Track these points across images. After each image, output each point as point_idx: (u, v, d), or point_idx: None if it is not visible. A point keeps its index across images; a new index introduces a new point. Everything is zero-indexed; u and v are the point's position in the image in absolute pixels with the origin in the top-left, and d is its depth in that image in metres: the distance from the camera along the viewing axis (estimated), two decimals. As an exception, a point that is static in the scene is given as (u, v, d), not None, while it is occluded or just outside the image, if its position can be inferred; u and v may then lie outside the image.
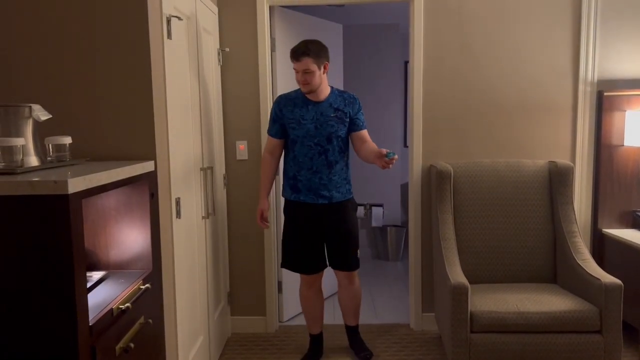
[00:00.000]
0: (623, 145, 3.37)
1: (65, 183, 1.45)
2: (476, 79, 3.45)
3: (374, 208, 5.39)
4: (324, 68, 2.85)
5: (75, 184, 1.49)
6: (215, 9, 3.31)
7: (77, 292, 1.49)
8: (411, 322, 3.66)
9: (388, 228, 5.36)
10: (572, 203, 3.17)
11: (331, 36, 4.20)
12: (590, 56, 3.39)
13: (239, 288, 3.58)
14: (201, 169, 2.90)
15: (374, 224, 5.38)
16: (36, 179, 1.48)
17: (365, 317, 3.84)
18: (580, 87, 3.42)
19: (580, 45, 3.39)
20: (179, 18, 2.43)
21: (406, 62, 5.22)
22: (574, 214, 3.15)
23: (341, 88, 4.46)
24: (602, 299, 2.65)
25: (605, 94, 3.37)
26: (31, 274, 1.49)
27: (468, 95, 3.46)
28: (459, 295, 2.66)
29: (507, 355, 2.67)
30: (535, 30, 3.40)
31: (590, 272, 2.79)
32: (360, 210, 5.41)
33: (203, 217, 2.92)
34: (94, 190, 1.63)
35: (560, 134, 3.48)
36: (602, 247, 3.42)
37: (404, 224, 5.36)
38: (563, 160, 3.37)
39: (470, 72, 3.44)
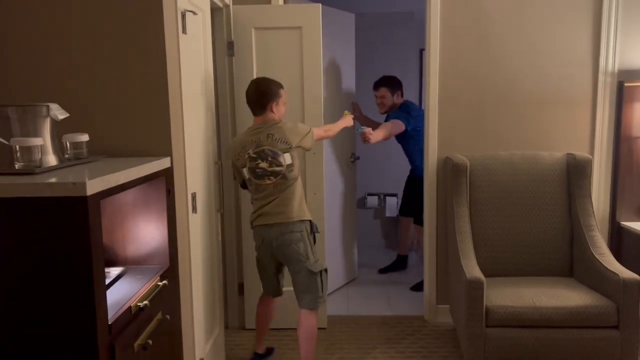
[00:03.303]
0: (643, 137, 3.31)
1: (84, 185, 1.46)
2: (493, 70, 3.39)
3: (388, 198, 5.37)
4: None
5: (94, 186, 1.50)
6: (229, 1, 3.29)
7: (97, 293, 1.51)
8: (425, 314, 3.66)
9: (401, 218, 5.33)
10: (590, 196, 3.13)
11: (344, 25, 4.17)
12: (610, 46, 3.31)
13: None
14: (216, 163, 2.90)
15: (388, 214, 5.36)
16: (55, 181, 1.49)
17: (379, 309, 3.85)
18: (600, 77, 3.35)
19: (600, 35, 3.31)
20: (194, 12, 2.42)
21: (421, 50, 5.15)
22: (592, 207, 3.11)
23: (353, 78, 4.44)
24: (620, 295, 2.63)
25: (625, 84, 3.30)
26: (50, 275, 1.51)
27: (485, 86, 3.41)
28: (475, 289, 2.65)
29: (523, 350, 2.66)
30: (554, 20, 3.33)
31: (608, 267, 2.77)
32: (375, 200, 5.40)
33: (218, 211, 2.93)
34: (112, 190, 1.64)
35: (578, 125, 3.42)
36: (620, 241, 3.38)
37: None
38: (581, 152, 3.32)
39: (487, 63, 3.39)
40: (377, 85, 4.23)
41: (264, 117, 2.75)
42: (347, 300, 3.99)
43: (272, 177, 2.69)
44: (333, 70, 4.04)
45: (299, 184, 2.77)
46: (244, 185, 2.88)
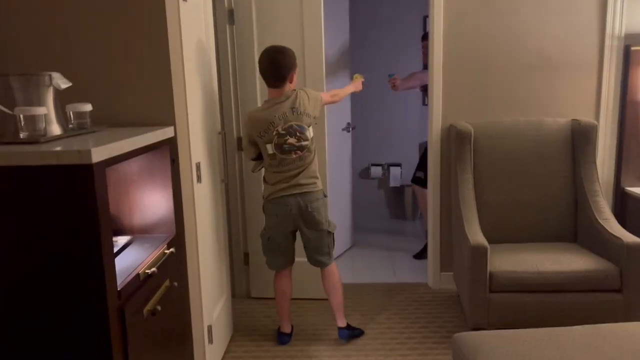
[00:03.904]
0: (649, 102, 3.28)
1: (89, 152, 1.46)
2: (498, 34, 3.35)
3: (391, 168, 5.38)
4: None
5: (99, 153, 1.51)
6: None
7: (105, 259, 1.53)
8: (429, 281, 3.70)
9: (405, 188, 5.35)
10: (594, 162, 3.13)
11: None
12: (617, 9, 3.26)
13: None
14: (219, 133, 2.90)
15: (392, 183, 5.38)
16: (60, 149, 1.50)
17: (384, 276, 3.89)
18: (607, 41, 3.30)
19: (607, -2, 3.26)
20: (194, -21, 2.39)
21: (425, 17, 5.08)
22: (597, 173, 3.11)
23: (348, 47, 4.38)
24: (624, 259, 2.65)
25: (632, 48, 3.25)
26: (59, 243, 1.52)
27: (489, 52, 3.37)
28: (478, 255, 2.67)
29: (526, 314, 2.70)
30: (561, -17, 3.27)
31: (612, 232, 2.78)
32: (379, 171, 5.41)
33: (222, 181, 2.94)
34: (117, 158, 1.65)
35: (584, 91, 3.39)
36: (625, 206, 3.38)
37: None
38: (587, 118, 3.29)
39: (492, 27, 3.34)
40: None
41: (282, 89, 2.70)
42: (351, 268, 4.03)
43: (298, 152, 2.70)
44: (329, 37, 3.97)
45: (315, 153, 2.82)
46: (256, 158, 2.85)
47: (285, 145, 2.68)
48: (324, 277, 2.95)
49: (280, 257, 2.92)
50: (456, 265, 3.28)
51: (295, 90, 2.74)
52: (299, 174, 2.74)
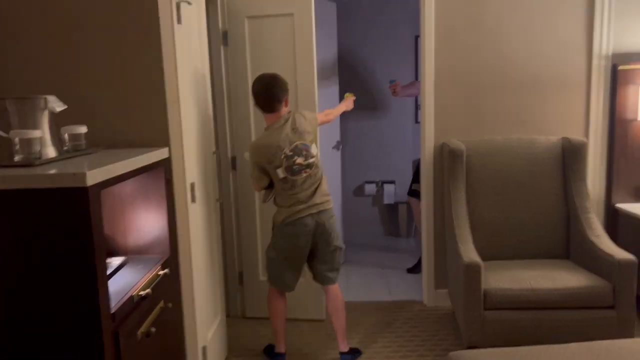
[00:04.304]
0: (637, 120, 3.33)
1: (84, 175, 1.48)
2: (488, 54, 3.40)
3: (385, 185, 5.40)
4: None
5: (94, 176, 1.52)
6: (223, -10, 3.28)
7: (99, 282, 1.53)
8: (424, 298, 3.70)
9: (399, 205, 5.37)
10: (585, 179, 3.16)
11: (325, 14, 4.15)
12: (604, 29, 3.32)
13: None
14: (213, 153, 2.92)
15: (386, 201, 5.39)
16: (55, 172, 1.51)
17: (379, 294, 3.89)
18: (594, 61, 3.36)
19: (594, 18, 3.32)
20: (188, 2, 2.42)
21: (417, 37, 5.14)
22: (587, 190, 3.14)
23: (336, 66, 4.46)
24: (616, 275, 2.66)
25: (619, 67, 3.31)
26: (53, 265, 1.53)
27: (480, 71, 3.42)
28: (472, 273, 2.68)
29: (521, 331, 2.70)
30: (548, 4, 3.33)
31: (604, 249, 2.80)
32: (372, 188, 5.43)
33: (217, 200, 2.95)
34: (112, 180, 1.66)
35: (573, 109, 3.44)
36: (616, 222, 3.41)
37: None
38: (576, 136, 3.34)
39: (482, 47, 3.40)
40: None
41: (279, 113, 2.73)
42: (346, 285, 4.02)
43: (307, 170, 2.73)
44: (318, 59, 4.02)
45: (322, 170, 2.86)
46: (268, 186, 2.82)
47: (295, 167, 2.69)
48: (329, 298, 2.93)
49: (291, 277, 2.89)
50: (451, 282, 3.29)
51: (290, 111, 2.78)
52: (314, 192, 2.77)
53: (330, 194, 2.88)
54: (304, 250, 2.83)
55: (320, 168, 2.82)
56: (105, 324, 1.56)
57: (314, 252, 2.86)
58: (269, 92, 2.71)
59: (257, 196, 3.36)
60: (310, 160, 2.73)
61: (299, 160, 2.69)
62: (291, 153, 2.69)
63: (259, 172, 2.77)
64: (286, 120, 2.73)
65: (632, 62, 3.32)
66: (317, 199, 2.77)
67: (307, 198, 2.75)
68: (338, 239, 2.89)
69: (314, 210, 2.75)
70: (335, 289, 2.92)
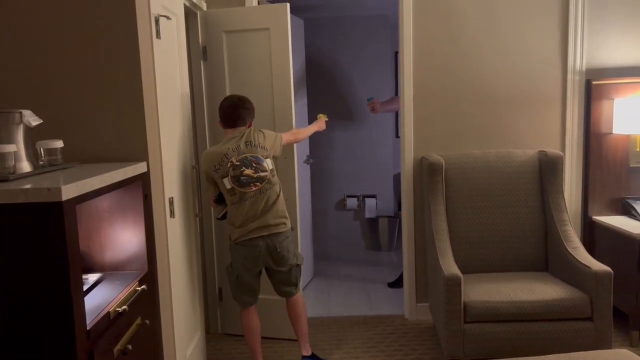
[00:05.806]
0: (612, 133, 3.40)
1: (59, 190, 1.45)
2: (466, 70, 3.46)
3: (367, 199, 5.42)
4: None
5: (69, 191, 1.50)
6: (204, 5, 3.29)
7: (74, 299, 1.50)
8: (406, 312, 3.70)
9: (380, 219, 5.39)
10: (562, 192, 3.21)
11: (295, 30, 4.18)
12: (578, 45, 3.41)
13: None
14: (193, 167, 2.90)
15: (367, 215, 5.41)
16: (29, 187, 1.48)
17: (360, 308, 3.88)
18: (569, 76, 3.44)
19: (568, 35, 3.41)
20: (168, 17, 2.43)
21: (396, 53, 5.21)
22: (564, 203, 3.18)
23: (304, 81, 4.50)
24: (593, 287, 2.69)
25: (593, 82, 3.39)
26: (28, 281, 1.50)
27: (458, 86, 3.48)
28: (452, 286, 2.69)
29: (501, 344, 2.71)
30: (523, 20, 3.41)
31: (581, 260, 2.84)
32: (354, 202, 5.44)
33: (196, 215, 2.93)
34: (88, 195, 1.64)
35: (549, 123, 3.50)
36: (593, 234, 3.46)
37: (397, 215, 5.39)
38: (553, 149, 3.40)
39: (460, 63, 3.46)
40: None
41: (237, 129, 2.78)
42: (327, 300, 4.00)
43: (257, 183, 2.70)
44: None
45: (280, 189, 2.81)
46: (218, 200, 2.84)
47: (242, 178, 2.68)
48: (289, 306, 2.96)
49: (249, 296, 2.89)
50: (431, 296, 3.30)
51: (250, 127, 2.82)
52: (266, 210, 2.73)
53: (287, 216, 2.83)
54: (254, 271, 2.84)
55: (275, 185, 2.77)
56: (80, 342, 1.53)
57: (269, 270, 2.88)
58: (236, 112, 2.78)
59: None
60: (262, 174, 2.71)
61: (248, 171, 2.68)
62: (238, 163, 2.69)
63: (206, 181, 2.81)
64: (242, 134, 2.76)
65: (605, 78, 3.40)
66: (271, 219, 2.74)
67: (258, 214, 2.72)
68: (294, 258, 2.88)
69: (265, 232, 2.73)
70: (295, 298, 2.95)
